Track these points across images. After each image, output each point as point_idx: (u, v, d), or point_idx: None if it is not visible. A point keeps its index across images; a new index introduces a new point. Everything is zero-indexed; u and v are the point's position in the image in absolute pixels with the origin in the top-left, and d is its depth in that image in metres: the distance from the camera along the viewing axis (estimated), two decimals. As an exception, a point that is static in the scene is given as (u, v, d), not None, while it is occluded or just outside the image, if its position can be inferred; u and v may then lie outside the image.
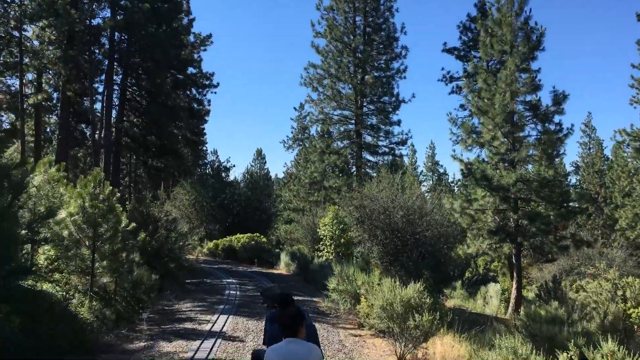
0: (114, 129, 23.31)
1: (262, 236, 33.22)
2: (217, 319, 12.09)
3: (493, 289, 22.98)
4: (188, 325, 11.44)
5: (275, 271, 25.07)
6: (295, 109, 68.57)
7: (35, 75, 24.06)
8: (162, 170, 29.22)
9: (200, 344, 9.51)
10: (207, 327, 11.16)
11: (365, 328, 11.38)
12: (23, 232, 8.34)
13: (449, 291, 24.79)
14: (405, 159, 42.10)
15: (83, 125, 26.52)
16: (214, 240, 33.26)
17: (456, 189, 69.05)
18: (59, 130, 22.95)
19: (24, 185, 8.20)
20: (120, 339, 10.02)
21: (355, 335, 11.00)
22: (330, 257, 25.04)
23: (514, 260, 21.51)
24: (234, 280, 20.07)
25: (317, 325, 12.24)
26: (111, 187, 11.87)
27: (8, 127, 30.26)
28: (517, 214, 19.81)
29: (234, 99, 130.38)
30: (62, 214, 11.21)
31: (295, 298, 6.27)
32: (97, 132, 22.20)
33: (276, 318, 4.34)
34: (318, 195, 37.37)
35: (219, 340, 9.88)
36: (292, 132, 68.40)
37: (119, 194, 15.68)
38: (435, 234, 25.89)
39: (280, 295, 5.35)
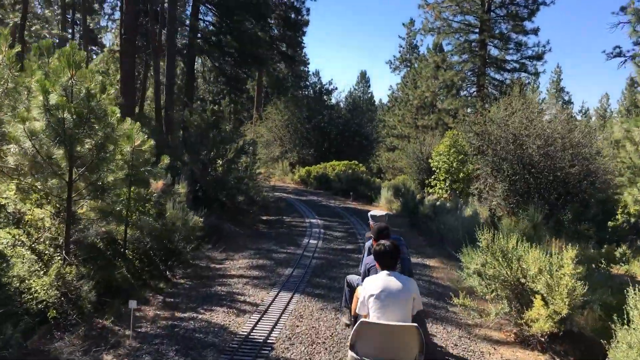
0: (184, 28, 18.78)
1: (360, 165, 28.03)
2: (273, 301, 7.11)
3: (674, 252, 16.17)
4: (218, 315, 6.54)
5: (373, 208, 19.91)
6: (404, 25, 60.61)
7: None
8: (244, 82, 24.17)
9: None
10: (247, 324, 6.19)
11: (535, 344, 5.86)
12: None
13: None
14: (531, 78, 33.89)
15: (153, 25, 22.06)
16: (307, 167, 28.60)
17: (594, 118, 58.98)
18: (125, 28, 18.59)
19: None
20: (85, 348, 5.36)
21: (518, 367, 5.57)
22: (445, 196, 19.36)
23: None
24: (319, 221, 15.17)
25: (438, 330, 6.98)
26: (101, 79, 6.97)
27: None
28: None
29: (335, 12, 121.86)
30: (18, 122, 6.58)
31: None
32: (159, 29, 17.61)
33: (373, 250, 4.12)
34: (428, 119, 31.09)
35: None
36: (399, 52, 61.01)
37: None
38: (584, 171, 19.42)
39: (378, 229, 5.07)
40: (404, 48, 60.59)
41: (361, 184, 22.10)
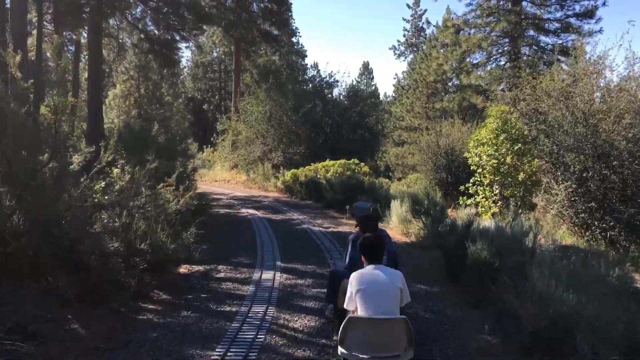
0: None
1: (362, 164, 20.53)
2: None
3: None
4: None
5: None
6: (408, 6, 52.75)
7: None
8: (174, 49, 16.23)
9: None
10: None
11: None
12: None
13: None
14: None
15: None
16: (293, 170, 21.11)
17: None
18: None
19: None
20: None
21: None
22: (494, 210, 11.75)
23: None
24: (278, 278, 7.63)
25: None
26: None
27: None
28: None
29: (333, 6, 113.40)
30: None
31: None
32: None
33: (359, 244, 3.88)
34: (448, 100, 23.38)
35: None
36: (404, 36, 53.39)
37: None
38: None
39: (366, 217, 4.95)
40: (409, 32, 53.02)
41: (362, 193, 14.56)
